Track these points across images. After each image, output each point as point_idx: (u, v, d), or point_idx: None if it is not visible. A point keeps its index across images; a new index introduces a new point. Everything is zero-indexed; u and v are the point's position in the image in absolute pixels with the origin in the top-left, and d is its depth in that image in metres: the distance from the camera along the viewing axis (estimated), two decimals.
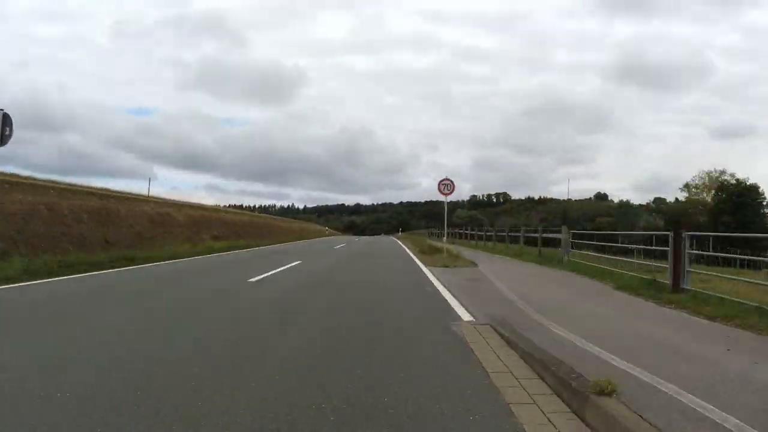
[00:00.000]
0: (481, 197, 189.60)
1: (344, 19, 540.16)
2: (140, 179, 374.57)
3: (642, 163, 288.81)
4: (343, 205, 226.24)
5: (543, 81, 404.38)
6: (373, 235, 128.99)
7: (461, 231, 41.14)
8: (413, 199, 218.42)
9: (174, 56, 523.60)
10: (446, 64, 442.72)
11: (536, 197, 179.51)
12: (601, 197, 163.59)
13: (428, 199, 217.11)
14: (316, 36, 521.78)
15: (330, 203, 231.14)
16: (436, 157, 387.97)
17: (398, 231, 57.31)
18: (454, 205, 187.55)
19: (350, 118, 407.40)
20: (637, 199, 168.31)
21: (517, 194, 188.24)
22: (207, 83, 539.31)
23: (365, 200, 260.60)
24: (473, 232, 32.93)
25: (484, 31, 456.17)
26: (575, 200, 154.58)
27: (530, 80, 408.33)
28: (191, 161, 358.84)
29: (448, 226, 19.44)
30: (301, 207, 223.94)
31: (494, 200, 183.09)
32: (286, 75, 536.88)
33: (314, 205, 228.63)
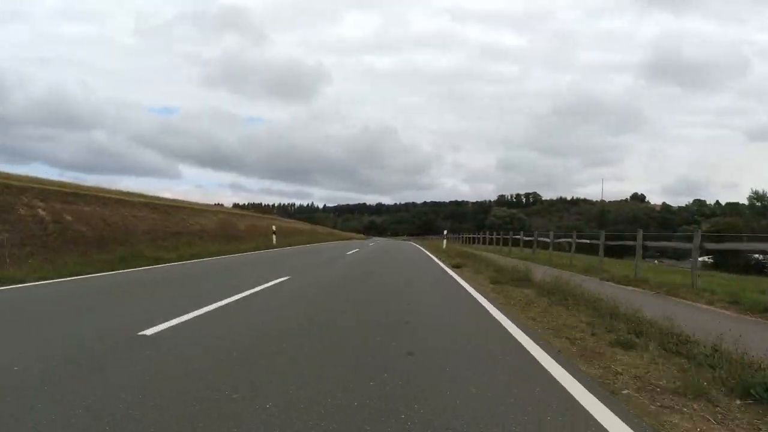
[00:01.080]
0: (509, 197, 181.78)
1: (368, 19, 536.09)
2: (165, 177, 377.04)
3: (671, 166, 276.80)
4: (364, 204, 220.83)
5: (570, 80, 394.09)
6: (395, 236, 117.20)
7: (485, 236, 34.66)
8: (436, 200, 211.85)
9: (197, 54, 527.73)
10: (470, 63, 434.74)
11: (568, 198, 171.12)
12: (638, 198, 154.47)
13: (453, 199, 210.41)
14: (340, 35, 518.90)
15: (351, 203, 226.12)
16: (459, 157, 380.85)
17: (443, 233, 33.14)
18: (481, 206, 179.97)
19: (373, 117, 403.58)
20: (670, 202, 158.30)
21: (543, 195, 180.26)
22: (231, 81, 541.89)
23: (387, 201, 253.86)
24: (517, 236, 26.83)
25: (510, 30, 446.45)
26: (609, 201, 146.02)
27: (557, 80, 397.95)
28: (215, 159, 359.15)
29: (480, 228, 13.07)
30: (321, 206, 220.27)
31: (524, 200, 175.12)
32: (309, 74, 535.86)
33: (335, 204, 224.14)
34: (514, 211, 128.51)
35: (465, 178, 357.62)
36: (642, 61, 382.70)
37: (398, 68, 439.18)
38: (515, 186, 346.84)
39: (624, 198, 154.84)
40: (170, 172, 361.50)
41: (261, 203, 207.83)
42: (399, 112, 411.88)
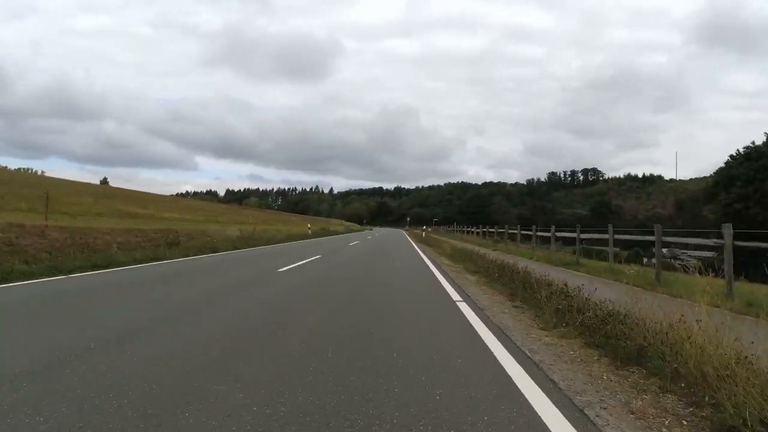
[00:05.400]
0: (561, 175, 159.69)
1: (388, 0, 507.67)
2: (182, 169, 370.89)
3: (704, 150, 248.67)
4: (380, 188, 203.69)
5: (599, 60, 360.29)
6: (412, 227, 78.60)
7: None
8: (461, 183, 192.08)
9: (206, 34, 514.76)
10: (495, 45, 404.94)
11: (639, 175, 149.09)
12: None
13: (484, 181, 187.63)
14: (359, 18, 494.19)
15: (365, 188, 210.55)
16: (482, 142, 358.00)
17: None
18: (492, 187, 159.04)
19: (394, 103, 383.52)
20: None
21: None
22: (248, 68, 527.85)
23: (408, 186, 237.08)
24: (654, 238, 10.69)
25: (536, 8, 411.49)
26: (686, 180, 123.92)
27: (586, 59, 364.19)
28: (232, 150, 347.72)
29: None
30: (327, 191, 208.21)
31: (580, 178, 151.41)
32: (327, 57, 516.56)
33: (347, 189, 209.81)
34: None
35: (489, 164, 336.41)
36: (672, 35, 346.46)
37: (421, 52, 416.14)
38: (538, 171, 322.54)
39: (701, 176, 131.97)
40: (187, 163, 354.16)
41: (258, 189, 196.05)
42: (420, 97, 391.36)
